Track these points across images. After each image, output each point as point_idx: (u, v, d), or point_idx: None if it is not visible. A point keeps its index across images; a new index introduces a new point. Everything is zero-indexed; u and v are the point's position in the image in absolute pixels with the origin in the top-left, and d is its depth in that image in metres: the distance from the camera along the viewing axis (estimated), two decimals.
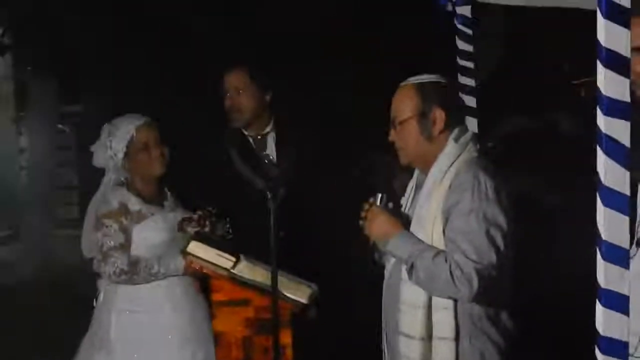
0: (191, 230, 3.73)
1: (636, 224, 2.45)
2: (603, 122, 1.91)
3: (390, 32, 6.91)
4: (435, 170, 2.92)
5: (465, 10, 4.01)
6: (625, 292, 1.93)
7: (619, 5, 1.88)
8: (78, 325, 4.00)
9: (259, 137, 4.27)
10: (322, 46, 6.97)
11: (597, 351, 1.97)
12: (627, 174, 1.92)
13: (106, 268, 3.73)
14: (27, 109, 10.65)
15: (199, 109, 6.17)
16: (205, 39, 7.12)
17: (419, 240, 2.87)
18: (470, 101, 3.96)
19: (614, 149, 1.91)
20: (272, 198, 3.22)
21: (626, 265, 1.94)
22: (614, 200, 1.92)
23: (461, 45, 4.03)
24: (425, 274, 2.78)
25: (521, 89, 6.19)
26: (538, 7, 3.96)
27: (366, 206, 3.01)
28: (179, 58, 7.22)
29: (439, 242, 2.83)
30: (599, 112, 1.92)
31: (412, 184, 3.15)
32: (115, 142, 3.84)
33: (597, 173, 1.94)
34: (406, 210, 3.08)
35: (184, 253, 3.63)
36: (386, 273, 3.11)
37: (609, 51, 1.89)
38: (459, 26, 4.03)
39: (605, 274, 1.93)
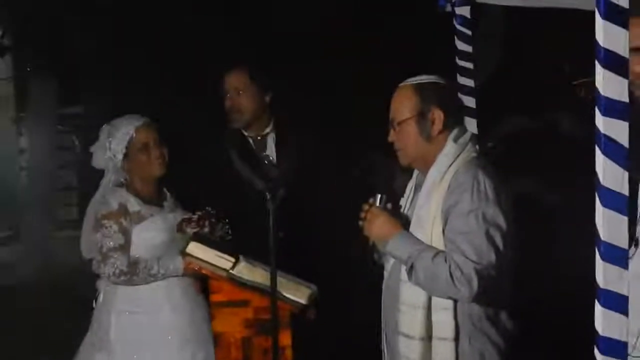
0: (190, 231, 3.72)
1: (637, 225, 2.44)
2: (601, 122, 1.92)
3: (390, 32, 6.90)
4: (434, 171, 2.92)
5: (464, 11, 4.02)
6: (624, 292, 1.94)
7: (618, 6, 1.88)
8: (78, 326, 4.00)
9: (258, 137, 4.27)
10: (322, 46, 6.96)
11: (596, 351, 1.97)
12: (626, 174, 1.92)
13: (106, 269, 3.73)
14: (27, 110, 10.64)
15: (198, 109, 6.16)
16: (205, 39, 7.11)
17: (419, 240, 2.87)
18: (470, 102, 3.96)
19: (612, 149, 1.91)
20: (271, 199, 3.23)
21: (625, 266, 1.94)
22: (612, 200, 1.92)
23: (460, 45, 4.04)
24: (425, 274, 2.78)
25: (520, 90, 6.18)
26: (537, 7, 3.96)
27: (365, 207, 3.01)
28: (179, 58, 7.20)
29: (438, 242, 2.84)
30: (597, 112, 1.92)
31: (411, 184, 3.15)
32: (114, 143, 3.84)
33: (595, 173, 1.94)
34: (405, 211, 3.08)
35: (183, 254, 3.63)
36: (385, 273, 3.11)
37: (608, 51, 1.90)
38: (458, 27, 4.03)
39: (604, 274, 1.94)
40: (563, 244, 4.44)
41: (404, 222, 2.97)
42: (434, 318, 2.86)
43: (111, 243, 3.74)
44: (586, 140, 2.07)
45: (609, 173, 1.92)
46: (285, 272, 3.44)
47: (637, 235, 2.45)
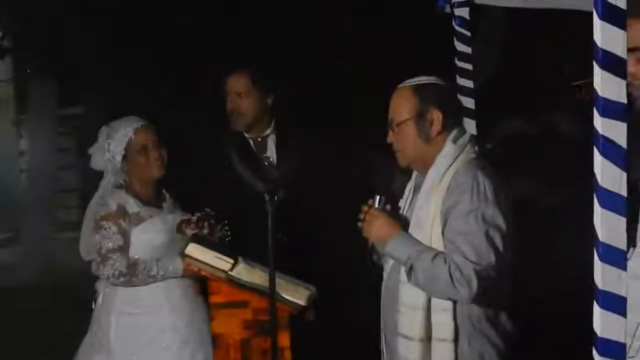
0: (190, 232, 3.72)
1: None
2: (600, 123, 1.91)
3: (390, 33, 6.90)
4: (433, 172, 2.92)
5: (463, 12, 4.02)
6: (622, 293, 1.93)
7: (615, 7, 1.88)
8: (78, 328, 4.00)
9: (259, 139, 4.27)
10: (322, 46, 6.96)
11: (594, 352, 1.96)
12: (624, 175, 1.92)
13: (105, 270, 3.73)
14: (27, 112, 10.65)
15: (198, 109, 6.16)
16: (205, 39, 7.11)
17: (418, 241, 2.87)
18: (469, 103, 3.96)
19: (610, 150, 1.91)
20: (270, 200, 3.22)
21: (623, 267, 1.93)
22: (611, 201, 1.92)
23: (459, 47, 4.04)
24: (425, 275, 2.78)
25: (520, 91, 6.18)
26: (537, 9, 3.96)
27: (365, 208, 3.01)
28: (179, 58, 7.20)
29: (437, 243, 2.83)
30: (595, 113, 1.92)
31: (410, 185, 3.15)
32: (113, 145, 3.84)
33: (594, 174, 1.94)
34: (405, 212, 3.08)
35: (182, 255, 3.63)
36: (385, 274, 3.11)
37: (606, 52, 1.89)
38: (457, 28, 4.03)
39: (602, 275, 1.93)
40: (562, 244, 4.44)
41: (403, 223, 2.97)
42: (433, 319, 2.86)
43: (110, 244, 3.73)
44: (586, 141, 2.06)
45: (607, 174, 1.92)
46: (285, 273, 3.44)
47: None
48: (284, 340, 3.42)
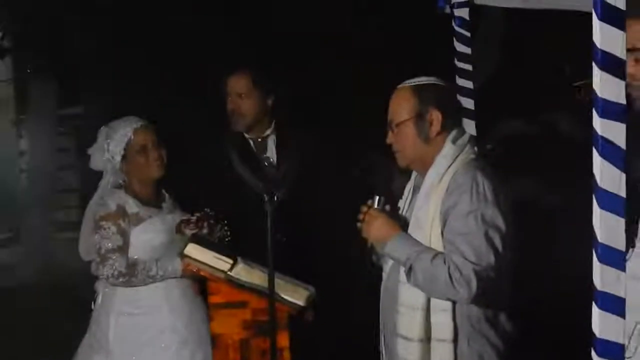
0: (189, 232, 3.72)
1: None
2: (599, 124, 1.91)
3: (389, 33, 6.90)
4: (432, 172, 2.92)
5: (463, 13, 4.01)
6: (621, 294, 1.93)
7: (615, 7, 1.88)
8: (78, 328, 4.00)
9: (259, 139, 4.26)
10: (322, 46, 6.96)
11: (593, 353, 1.96)
12: (623, 176, 1.92)
13: (104, 270, 3.73)
14: (27, 112, 10.65)
15: (198, 109, 6.16)
16: (205, 39, 7.11)
17: (417, 242, 2.86)
18: (468, 103, 3.96)
19: (609, 151, 1.91)
20: (269, 200, 3.22)
21: (622, 268, 1.93)
22: (610, 202, 1.92)
23: (459, 47, 4.04)
24: (424, 275, 2.77)
25: (520, 91, 6.18)
26: (537, 9, 3.96)
27: (364, 208, 3.01)
28: (179, 58, 7.20)
29: (437, 243, 2.83)
30: (594, 114, 1.92)
31: (409, 186, 3.15)
32: (112, 145, 3.84)
33: (593, 175, 1.94)
34: (404, 213, 3.08)
35: (182, 255, 3.63)
36: (384, 275, 3.11)
37: (605, 53, 1.89)
38: (457, 29, 4.03)
39: (601, 276, 1.93)
40: (562, 245, 4.44)
41: (403, 224, 2.97)
42: (432, 319, 2.86)
43: (109, 244, 3.73)
44: (585, 141, 2.06)
45: (606, 175, 1.92)
46: (284, 273, 3.44)
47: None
48: (283, 340, 3.41)
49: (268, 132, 4.26)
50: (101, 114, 5.68)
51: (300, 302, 3.49)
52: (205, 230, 3.72)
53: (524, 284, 3.00)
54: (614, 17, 1.88)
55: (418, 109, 2.93)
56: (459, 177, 2.84)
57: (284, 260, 3.32)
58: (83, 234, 3.94)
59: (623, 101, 1.90)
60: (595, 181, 1.93)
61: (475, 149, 2.99)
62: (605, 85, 1.90)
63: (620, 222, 1.93)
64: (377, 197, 2.99)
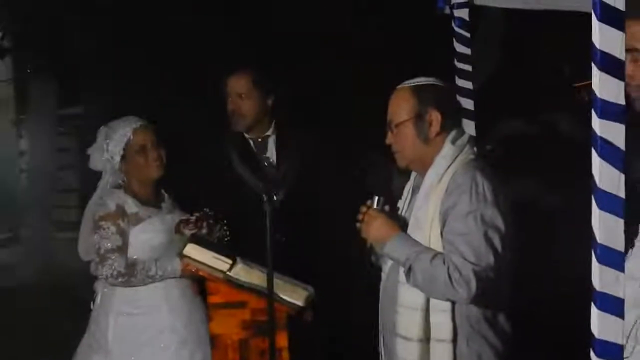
0: (188, 232, 3.73)
1: None
2: (598, 124, 1.91)
3: (389, 34, 6.90)
4: (432, 172, 2.92)
5: (462, 14, 4.01)
6: (620, 295, 1.93)
7: (614, 8, 1.87)
8: (78, 328, 4.00)
9: (259, 139, 4.26)
10: (322, 46, 6.96)
11: (592, 354, 1.96)
12: (622, 176, 1.91)
13: (103, 270, 3.73)
14: (27, 112, 10.65)
15: (198, 109, 6.16)
16: (205, 39, 7.11)
17: (417, 242, 2.86)
18: (468, 104, 3.95)
19: (608, 151, 1.91)
20: (268, 200, 3.22)
21: (621, 269, 1.93)
22: (609, 203, 1.92)
23: (459, 48, 4.03)
24: (423, 276, 2.77)
25: (520, 92, 6.17)
26: (537, 10, 3.95)
27: (363, 209, 3.01)
28: (179, 58, 7.20)
29: (436, 244, 2.83)
30: (593, 114, 1.91)
31: (409, 186, 3.15)
32: (112, 145, 3.84)
33: (592, 176, 1.93)
34: (403, 213, 3.08)
35: (181, 255, 3.63)
36: (383, 275, 3.11)
37: (604, 54, 1.89)
38: (457, 29, 4.03)
39: (600, 276, 1.93)
40: (562, 246, 4.43)
41: (402, 224, 2.97)
42: (431, 320, 2.86)
43: (109, 244, 3.73)
44: (585, 142, 2.06)
45: (605, 175, 1.92)
46: (283, 273, 3.44)
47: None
48: (282, 340, 3.41)
49: (268, 132, 4.26)
50: (101, 114, 5.68)
51: (299, 302, 3.49)
52: (204, 230, 3.72)
53: (523, 285, 3.00)
54: (613, 18, 1.88)
55: (417, 109, 2.93)
56: (458, 177, 2.84)
57: (283, 261, 3.32)
58: (82, 234, 3.94)
59: (622, 102, 1.90)
60: (594, 182, 1.93)
61: (475, 149, 2.99)
62: (604, 86, 1.89)
63: (619, 223, 1.93)
64: (376, 197, 2.99)
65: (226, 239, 3.79)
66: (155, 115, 4.03)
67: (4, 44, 8.88)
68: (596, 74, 1.90)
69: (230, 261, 3.53)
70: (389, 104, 3.01)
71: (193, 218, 3.75)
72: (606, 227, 1.92)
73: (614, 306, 1.93)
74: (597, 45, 1.89)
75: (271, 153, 4.24)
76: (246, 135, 4.25)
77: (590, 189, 1.95)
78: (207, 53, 6.84)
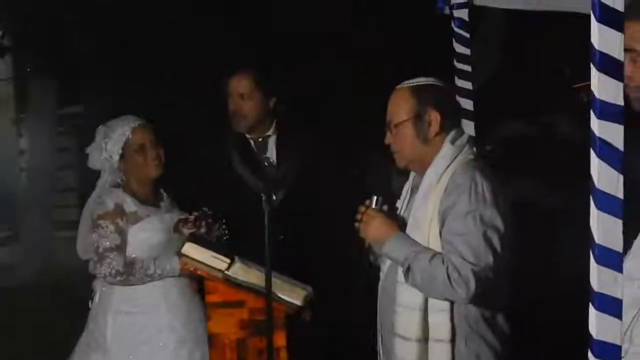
0: (187, 231, 3.73)
1: None
2: (597, 125, 1.91)
3: (389, 34, 6.91)
4: (431, 172, 2.92)
5: (462, 14, 4.01)
6: (618, 295, 1.93)
7: (613, 9, 1.87)
8: (78, 327, 4.00)
9: (260, 139, 4.26)
10: (322, 46, 6.96)
11: (590, 355, 1.96)
12: (621, 177, 1.91)
13: (102, 269, 3.73)
14: (27, 111, 10.65)
15: (198, 109, 6.16)
16: (205, 39, 7.11)
17: (415, 242, 2.86)
18: (467, 104, 3.95)
19: (607, 152, 1.90)
20: (267, 200, 3.22)
21: (619, 269, 1.93)
22: (607, 203, 1.91)
23: (458, 48, 4.03)
24: (422, 276, 2.77)
25: (520, 93, 6.18)
26: (537, 10, 3.95)
27: (362, 209, 3.01)
28: (179, 58, 7.21)
29: (435, 244, 2.83)
30: (592, 115, 1.91)
31: (407, 186, 3.15)
32: (110, 144, 3.84)
33: (591, 176, 1.93)
34: (402, 213, 3.08)
35: (179, 254, 3.63)
36: (382, 275, 3.11)
37: (603, 55, 1.89)
38: (456, 29, 4.02)
39: (598, 277, 1.93)
40: (562, 246, 4.44)
41: (401, 224, 2.97)
42: (430, 320, 2.86)
43: (107, 243, 3.74)
44: (585, 142, 2.06)
45: (604, 176, 1.91)
46: (282, 272, 3.44)
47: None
48: (280, 340, 3.42)
49: (269, 132, 4.26)
50: (101, 114, 5.67)
51: (298, 302, 3.48)
52: (203, 230, 3.72)
53: (523, 285, 3.00)
54: (612, 19, 1.87)
55: (417, 109, 2.93)
56: (457, 177, 2.84)
57: (282, 260, 3.33)
58: (81, 232, 3.95)
59: (621, 102, 1.90)
60: (592, 182, 1.93)
61: (474, 149, 2.99)
62: (603, 87, 1.89)
63: (618, 224, 1.92)
64: (375, 197, 2.99)
65: (225, 238, 3.79)
66: (155, 115, 4.03)
67: (4, 42, 8.89)
68: (595, 75, 1.90)
69: (228, 260, 3.52)
70: (388, 104, 3.01)
71: (192, 217, 3.75)
72: (604, 228, 1.92)
73: (612, 307, 1.93)
74: (596, 46, 1.89)
75: (271, 153, 4.24)
76: (247, 135, 4.25)
77: (589, 190, 1.95)
78: (207, 53, 6.84)
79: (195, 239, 3.65)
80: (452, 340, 2.84)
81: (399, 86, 3.01)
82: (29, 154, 10.86)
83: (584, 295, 1.99)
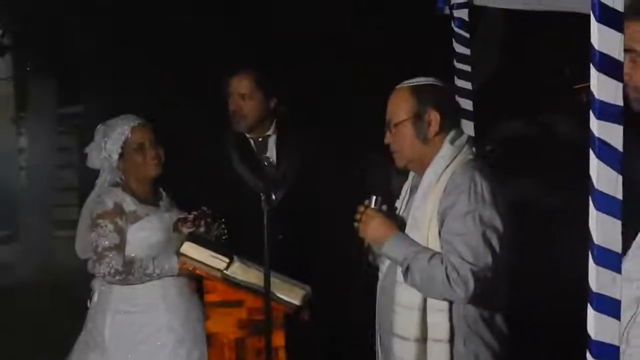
0: (186, 230, 3.73)
1: None
2: (596, 125, 1.91)
3: (389, 34, 6.90)
4: (430, 172, 2.92)
5: (462, 14, 4.01)
6: (617, 296, 1.93)
7: (613, 9, 1.87)
8: (77, 326, 4.00)
9: (260, 139, 4.26)
10: (322, 46, 6.96)
11: (588, 355, 1.96)
12: (620, 178, 1.91)
13: (101, 268, 3.73)
14: (27, 110, 10.65)
15: (198, 109, 6.16)
16: (205, 39, 7.11)
17: (414, 242, 2.87)
18: (467, 104, 3.95)
19: (606, 152, 1.90)
20: (266, 200, 3.22)
21: (618, 270, 1.93)
22: (606, 204, 1.91)
23: (458, 48, 4.03)
24: (421, 276, 2.78)
25: (519, 93, 6.17)
26: (537, 10, 3.95)
27: (361, 208, 3.01)
28: (179, 58, 7.21)
29: (434, 244, 2.83)
30: (591, 115, 1.91)
31: (407, 186, 3.15)
32: (109, 143, 3.84)
33: (590, 177, 1.93)
34: (401, 213, 3.08)
35: (178, 254, 3.63)
36: (380, 275, 3.11)
37: (602, 55, 1.89)
38: (456, 29, 4.02)
39: (596, 278, 1.93)
40: (561, 246, 4.43)
41: (400, 224, 2.97)
42: (429, 320, 2.86)
43: (106, 242, 3.73)
44: (585, 143, 2.06)
45: (603, 177, 1.91)
46: (281, 272, 3.44)
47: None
48: (279, 339, 3.42)
49: (269, 132, 4.26)
50: (101, 113, 5.67)
51: (296, 302, 3.49)
52: (202, 229, 3.72)
53: (522, 285, 3.00)
54: (611, 19, 1.87)
55: (416, 109, 2.93)
56: (457, 177, 2.85)
57: (281, 260, 3.33)
58: (80, 231, 3.95)
59: (620, 103, 1.90)
60: (591, 183, 1.93)
61: (474, 149, 2.99)
62: (602, 87, 1.89)
63: (617, 224, 1.92)
64: (374, 197, 2.99)
65: (224, 238, 3.79)
66: (154, 115, 4.03)
67: (4, 41, 8.88)
68: (594, 75, 1.90)
69: (227, 260, 3.53)
70: (388, 104, 3.01)
71: (191, 216, 3.75)
72: (603, 229, 1.92)
73: (611, 307, 1.93)
74: (596, 46, 1.89)
75: (271, 153, 4.24)
76: (247, 135, 4.25)
77: (588, 190, 1.95)
78: (207, 53, 6.84)
79: (194, 238, 3.65)
80: (451, 340, 2.85)
81: (398, 86, 3.02)
82: (28, 153, 10.85)
83: (582, 295, 1.99)
